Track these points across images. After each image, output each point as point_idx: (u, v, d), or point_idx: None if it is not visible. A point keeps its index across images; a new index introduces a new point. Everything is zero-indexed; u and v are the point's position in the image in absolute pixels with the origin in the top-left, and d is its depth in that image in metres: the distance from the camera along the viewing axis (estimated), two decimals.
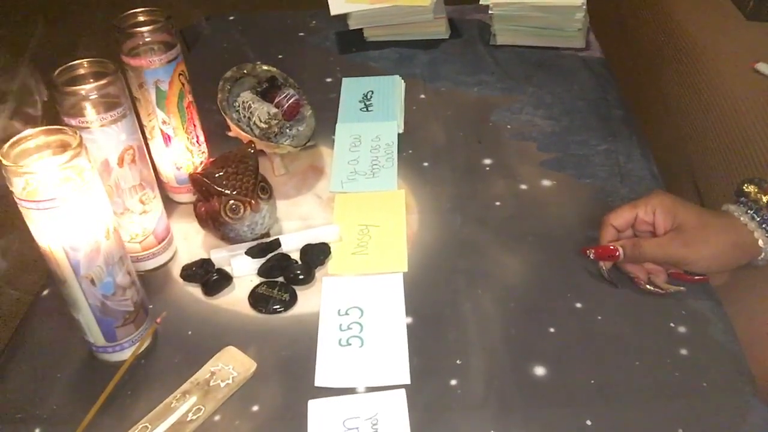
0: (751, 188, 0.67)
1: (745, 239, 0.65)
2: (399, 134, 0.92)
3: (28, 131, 0.55)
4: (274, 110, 0.83)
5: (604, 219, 0.71)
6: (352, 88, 1.01)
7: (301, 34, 1.18)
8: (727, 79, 1.10)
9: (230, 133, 0.83)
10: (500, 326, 0.66)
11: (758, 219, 0.65)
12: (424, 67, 1.07)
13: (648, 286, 0.68)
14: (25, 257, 1.65)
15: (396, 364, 0.63)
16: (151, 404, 0.60)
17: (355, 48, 1.13)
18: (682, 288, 0.68)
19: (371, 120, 0.94)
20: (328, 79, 1.05)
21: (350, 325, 0.67)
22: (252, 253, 0.72)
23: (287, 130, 0.85)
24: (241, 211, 0.71)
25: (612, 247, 0.68)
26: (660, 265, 0.69)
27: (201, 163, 0.81)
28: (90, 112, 0.62)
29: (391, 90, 1.00)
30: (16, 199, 0.53)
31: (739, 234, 0.65)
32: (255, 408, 0.60)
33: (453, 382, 0.61)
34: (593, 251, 0.70)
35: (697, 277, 0.68)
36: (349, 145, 0.90)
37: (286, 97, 0.85)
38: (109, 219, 0.59)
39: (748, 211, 0.66)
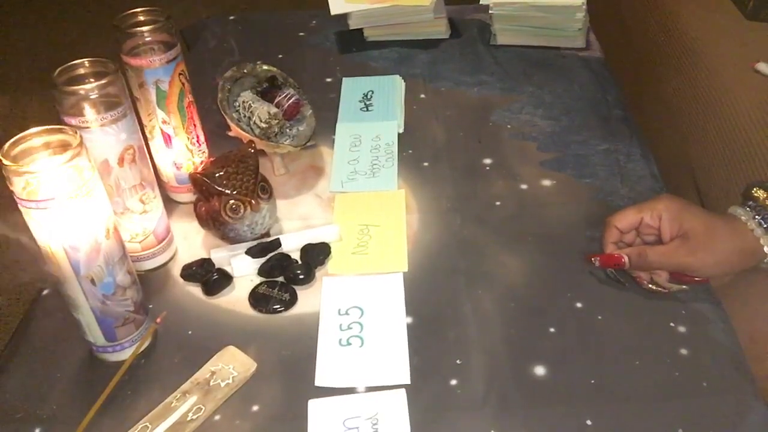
0: (760, 193, 0.67)
1: (751, 245, 0.64)
2: (399, 134, 0.92)
3: (29, 131, 0.55)
4: (274, 110, 0.83)
5: (607, 220, 0.70)
6: (352, 88, 1.01)
7: (302, 34, 1.18)
8: (727, 79, 1.10)
9: (230, 133, 0.83)
10: (500, 326, 0.66)
11: (765, 225, 0.64)
12: (424, 66, 1.07)
13: (651, 286, 0.68)
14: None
15: (396, 363, 0.63)
16: (151, 404, 0.60)
17: (355, 48, 1.13)
18: (685, 287, 0.67)
19: (371, 120, 0.94)
20: (328, 79, 1.05)
21: (350, 325, 0.67)
22: (252, 252, 0.72)
23: (287, 130, 0.85)
24: (242, 210, 0.71)
25: (617, 256, 0.68)
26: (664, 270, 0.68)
27: (201, 163, 0.80)
28: (90, 111, 0.62)
29: (391, 90, 1.00)
30: (17, 199, 0.53)
31: (745, 240, 0.65)
32: (255, 408, 0.60)
33: (453, 381, 0.61)
34: (598, 259, 0.70)
35: (697, 279, 0.67)
36: (349, 144, 0.90)
37: (286, 96, 0.85)
38: (109, 219, 0.59)
39: (756, 217, 0.65)
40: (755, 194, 0.67)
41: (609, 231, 0.70)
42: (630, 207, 0.70)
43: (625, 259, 0.68)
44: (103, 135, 0.63)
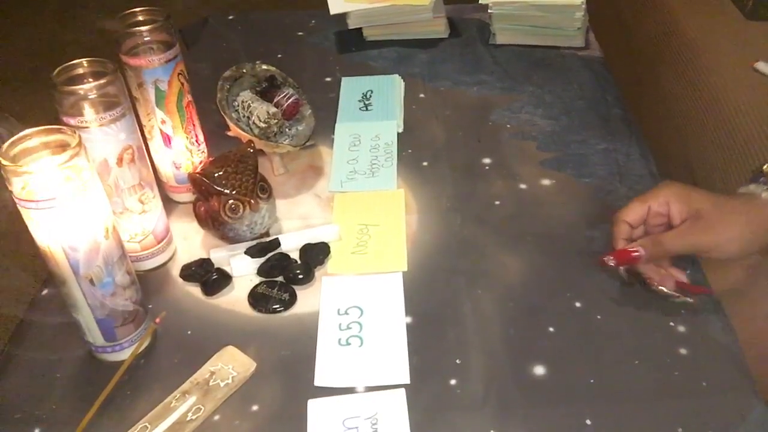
0: None
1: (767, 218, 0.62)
2: (398, 133, 0.92)
3: (27, 131, 0.55)
4: (273, 110, 0.83)
5: (616, 216, 0.68)
6: (351, 88, 1.01)
7: (301, 33, 1.18)
8: (727, 78, 1.10)
9: (229, 133, 0.83)
10: (500, 326, 0.66)
11: None
12: (423, 66, 1.07)
13: (661, 287, 0.66)
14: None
15: (395, 363, 0.63)
16: (150, 404, 0.60)
17: (354, 47, 1.13)
18: (690, 299, 0.66)
19: (371, 119, 0.94)
20: (328, 79, 1.05)
21: (350, 325, 0.67)
22: (251, 252, 0.72)
23: (286, 130, 0.85)
24: (241, 210, 0.71)
25: (632, 249, 0.65)
26: (682, 256, 0.66)
27: (200, 163, 0.80)
28: (89, 111, 0.62)
29: (390, 89, 1.00)
30: (15, 199, 0.53)
31: (761, 212, 0.63)
32: (254, 408, 0.60)
33: (452, 381, 0.61)
34: (613, 258, 0.66)
35: (702, 288, 0.66)
36: (349, 144, 0.90)
37: (285, 96, 0.85)
38: (108, 219, 0.59)
39: None
40: (766, 170, 0.65)
41: (618, 227, 0.68)
42: (635, 200, 0.68)
43: (641, 251, 0.64)
44: (102, 135, 0.63)
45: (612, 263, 0.67)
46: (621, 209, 0.69)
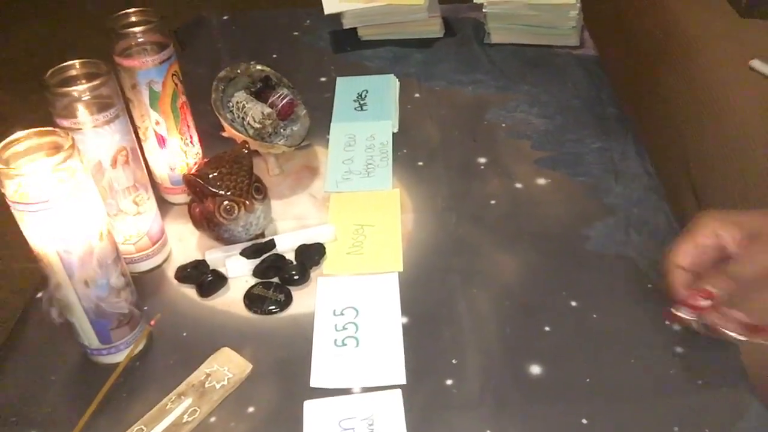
0: None
1: None
2: (393, 133, 0.92)
3: (20, 133, 0.55)
4: (268, 110, 0.83)
5: (668, 262, 0.61)
6: (346, 88, 1.01)
7: (296, 33, 1.18)
8: (723, 77, 1.10)
9: (224, 134, 0.83)
10: (496, 325, 0.66)
11: None
12: (418, 66, 1.07)
13: (731, 333, 0.58)
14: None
15: (392, 364, 0.63)
16: (146, 406, 0.60)
17: (349, 47, 1.13)
18: (764, 341, 0.59)
19: (366, 119, 0.94)
20: (323, 79, 1.04)
21: (346, 326, 0.67)
22: (247, 253, 0.72)
23: (281, 130, 0.85)
24: (236, 211, 0.71)
25: (703, 292, 0.57)
26: (754, 286, 0.57)
27: (195, 164, 0.80)
28: (83, 113, 0.62)
29: (385, 89, 1.00)
30: (9, 202, 0.53)
31: None
32: (250, 409, 0.60)
33: (449, 381, 0.61)
34: (684, 307, 0.59)
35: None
36: (344, 144, 0.90)
37: (280, 96, 0.85)
38: (103, 221, 0.58)
39: None
40: None
41: (675, 274, 0.60)
42: (681, 240, 0.61)
43: (714, 291, 0.57)
44: (95, 136, 0.63)
45: (686, 315, 0.59)
46: (670, 254, 0.61)
